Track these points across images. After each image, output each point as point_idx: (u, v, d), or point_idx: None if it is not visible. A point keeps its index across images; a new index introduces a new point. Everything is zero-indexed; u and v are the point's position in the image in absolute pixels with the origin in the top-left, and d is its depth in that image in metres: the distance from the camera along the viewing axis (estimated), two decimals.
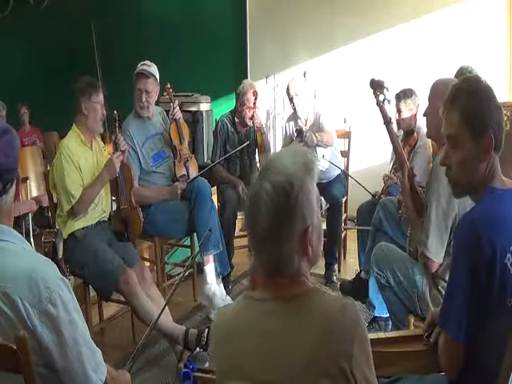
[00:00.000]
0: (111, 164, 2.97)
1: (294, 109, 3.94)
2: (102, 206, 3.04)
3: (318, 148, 3.86)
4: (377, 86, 2.47)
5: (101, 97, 2.97)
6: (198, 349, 2.71)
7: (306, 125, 3.95)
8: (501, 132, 1.50)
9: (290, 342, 1.11)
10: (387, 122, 2.46)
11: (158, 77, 3.42)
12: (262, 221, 1.15)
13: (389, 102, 2.50)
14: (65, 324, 1.19)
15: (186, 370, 1.60)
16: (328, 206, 3.80)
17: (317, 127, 3.89)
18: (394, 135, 2.49)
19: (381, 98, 2.46)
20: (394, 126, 2.92)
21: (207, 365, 1.58)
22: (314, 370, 1.09)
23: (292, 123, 4.07)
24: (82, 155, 2.95)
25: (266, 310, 1.16)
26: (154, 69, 3.42)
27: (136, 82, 3.38)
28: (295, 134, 3.91)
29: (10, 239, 1.24)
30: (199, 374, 1.60)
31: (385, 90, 2.46)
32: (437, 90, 2.23)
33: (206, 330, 2.70)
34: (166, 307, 2.68)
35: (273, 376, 1.12)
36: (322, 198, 3.77)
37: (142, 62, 3.44)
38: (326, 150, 3.94)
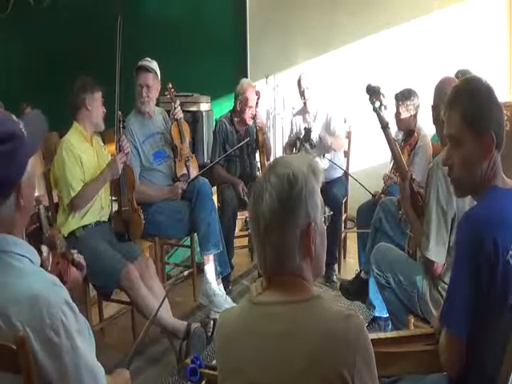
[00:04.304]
0: (114, 164, 2.99)
1: (304, 103, 3.94)
2: (101, 202, 3.04)
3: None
4: (372, 93, 2.49)
5: (100, 94, 3.01)
6: (197, 324, 2.74)
7: (314, 121, 3.95)
8: (502, 130, 1.50)
9: (291, 346, 1.11)
10: (384, 126, 2.47)
11: (158, 72, 3.44)
12: (265, 210, 1.14)
13: (385, 107, 2.51)
14: (66, 352, 1.15)
15: (193, 365, 1.58)
16: (332, 213, 3.80)
17: (328, 131, 3.90)
18: (392, 140, 2.51)
19: (377, 104, 2.47)
20: (394, 129, 2.93)
21: (214, 362, 1.57)
22: (314, 376, 1.08)
23: (300, 118, 4.06)
24: (84, 151, 2.96)
25: (269, 314, 1.15)
26: (154, 64, 3.43)
27: (136, 77, 3.39)
28: (302, 132, 3.92)
29: (15, 250, 1.19)
30: (206, 371, 1.58)
31: (381, 96, 2.48)
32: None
33: (212, 322, 2.72)
34: (168, 304, 2.72)
35: (272, 380, 1.12)
36: (327, 208, 3.78)
37: (142, 59, 3.45)
38: None
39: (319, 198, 1.19)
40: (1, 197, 1.17)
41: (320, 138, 3.86)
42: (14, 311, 1.12)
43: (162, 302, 2.26)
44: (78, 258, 1.88)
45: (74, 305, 1.19)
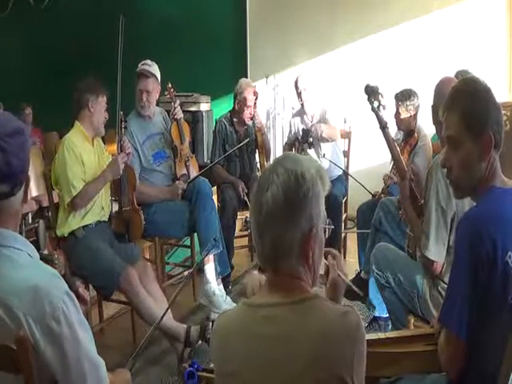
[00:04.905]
0: (115, 164, 2.98)
1: (302, 104, 3.94)
2: (102, 202, 3.04)
3: (321, 144, 3.89)
4: (371, 93, 2.49)
5: (105, 100, 3.00)
6: (200, 342, 2.72)
7: (311, 121, 3.96)
8: (500, 130, 1.50)
9: (285, 349, 1.10)
10: (383, 127, 2.47)
11: (158, 76, 3.44)
12: (269, 200, 1.13)
13: (384, 107, 2.51)
14: (68, 341, 1.16)
15: (191, 369, 1.60)
16: (333, 227, 3.79)
17: (322, 121, 3.92)
18: (391, 140, 2.51)
19: (375, 104, 2.47)
20: (394, 128, 2.93)
21: (212, 365, 1.59)
22: (311, 378, 1.08)
23: (298, 119, 4.08)
24: (85, 150, 2.95)
25: (266, 316, 1.14)
26: (154, 68, 3.43)
27: (136, 82, 3.40)
28: (301, 133, 3.93)
29: (15, 245, 1.20)
30: (204, 374, 1.60)
31: (379, 96, 2.48)
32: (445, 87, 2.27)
33: (210, 324, 2.71)
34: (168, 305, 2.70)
35: (269, 383, 1.11)
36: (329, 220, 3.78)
37: (142, 62, 3.46)
38: (328, 149, 3.95)
39: (323, 208, 1.18)
40: (16, 187, 1.22)
41: (313, 127, 3.85)
42: (15, 302, 1.14)
43: (165, 312, 2.27)
44: (84, 292, 1.87)
45: (74, 296, 1.21)
